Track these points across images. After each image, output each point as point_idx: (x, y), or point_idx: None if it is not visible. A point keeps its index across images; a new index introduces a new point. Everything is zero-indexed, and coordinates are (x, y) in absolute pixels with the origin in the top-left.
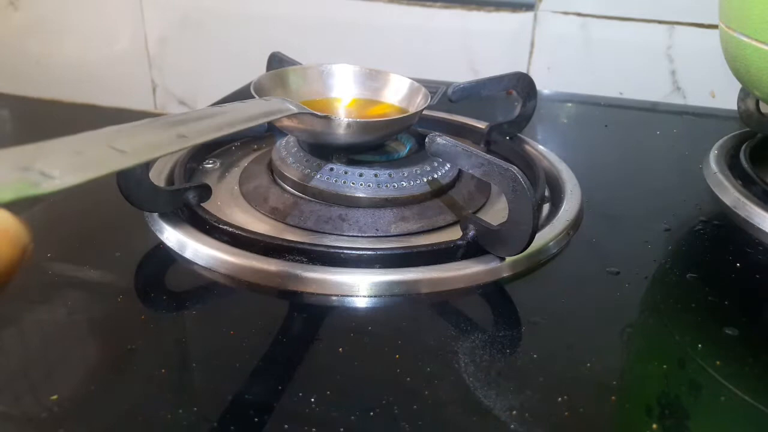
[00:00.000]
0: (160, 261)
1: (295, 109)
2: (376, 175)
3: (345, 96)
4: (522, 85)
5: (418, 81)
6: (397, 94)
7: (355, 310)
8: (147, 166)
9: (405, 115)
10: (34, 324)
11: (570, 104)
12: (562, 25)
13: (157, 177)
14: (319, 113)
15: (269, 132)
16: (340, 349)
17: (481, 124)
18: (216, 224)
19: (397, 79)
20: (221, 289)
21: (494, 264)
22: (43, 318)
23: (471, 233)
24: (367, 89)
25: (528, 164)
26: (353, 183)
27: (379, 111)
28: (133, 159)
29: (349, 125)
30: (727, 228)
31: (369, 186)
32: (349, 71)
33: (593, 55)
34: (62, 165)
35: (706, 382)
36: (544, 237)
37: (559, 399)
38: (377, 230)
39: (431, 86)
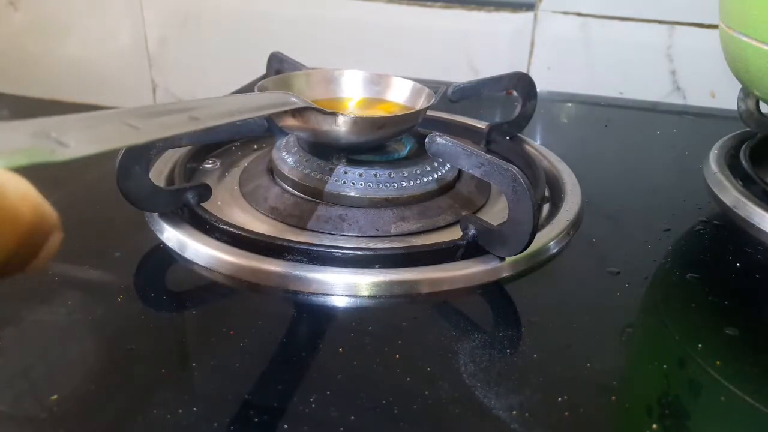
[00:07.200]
0: (160, 261)
1: (301, 103)
2: (376, 175)
3: (349, 97)
4: (522, 85)
5: (419, 81)
6: (401, 96)
7: (355, 310)
8: (147, 165)
9: (411, 111)
10: (34, 324)
11: (570, 104)
12: (562, 25)
13: (157, 177)
14: (325, 109)
15: (269, 132)
16: (340, 349)
17: (481, 124)
18: (216, 224)
19: (400, 81)
20: (221, 289)
21: (494, 264)
22: (43, 318)
23: (471, 233)
24: (370, 92)
25: (528, 164)
26: (353, 183)
27: (384, 109)
28: (146, 135)
29: (355, 122)
30: (727, 228)
31: (369, 186)
32: (353, 75)
33: (593, 55)
34: (78, 136)
35: (706, 382)
36: (544, 237)
37: (559, 399)
38: (377, 230)
39: (431, 86)
